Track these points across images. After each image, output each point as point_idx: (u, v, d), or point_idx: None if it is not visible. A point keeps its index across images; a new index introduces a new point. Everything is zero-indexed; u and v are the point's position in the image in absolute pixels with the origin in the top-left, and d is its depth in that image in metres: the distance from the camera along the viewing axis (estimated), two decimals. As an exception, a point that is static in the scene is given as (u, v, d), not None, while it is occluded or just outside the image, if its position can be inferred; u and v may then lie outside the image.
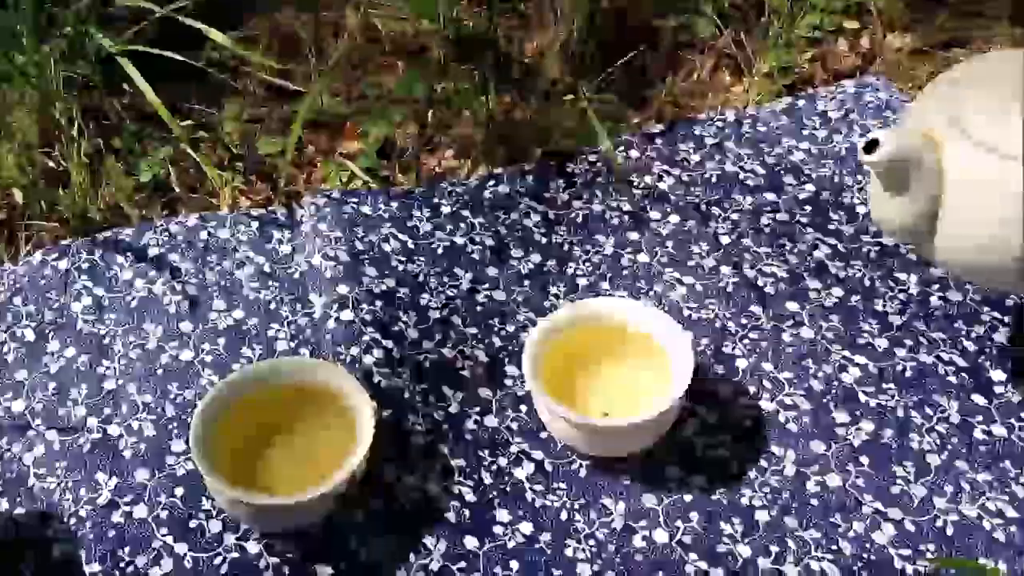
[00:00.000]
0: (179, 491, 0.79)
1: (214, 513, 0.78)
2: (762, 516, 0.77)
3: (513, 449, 0.82)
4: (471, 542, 0.76)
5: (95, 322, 0.90)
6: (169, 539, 0.76)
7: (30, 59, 1.03)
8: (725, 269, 0.94)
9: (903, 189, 0.69)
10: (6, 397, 0.86)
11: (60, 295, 0.92)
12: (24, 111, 1.05)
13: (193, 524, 0.77)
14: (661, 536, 0.77)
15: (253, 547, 0.76)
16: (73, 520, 0.78)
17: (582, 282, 0.94)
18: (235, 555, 0.76)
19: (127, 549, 0.76)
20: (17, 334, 0.90)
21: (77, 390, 0.86)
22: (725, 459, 0.81)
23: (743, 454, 0.81)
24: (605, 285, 0.94)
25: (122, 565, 0.75)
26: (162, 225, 0.98)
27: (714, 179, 1.03)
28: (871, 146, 0.68)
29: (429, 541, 0.76)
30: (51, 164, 1.05)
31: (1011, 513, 0.77)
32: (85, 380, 0.86)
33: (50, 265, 0.94)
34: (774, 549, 0.75)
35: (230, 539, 0.77)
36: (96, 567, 0.75)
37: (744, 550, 0.75)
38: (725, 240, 0.97)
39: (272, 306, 0.92)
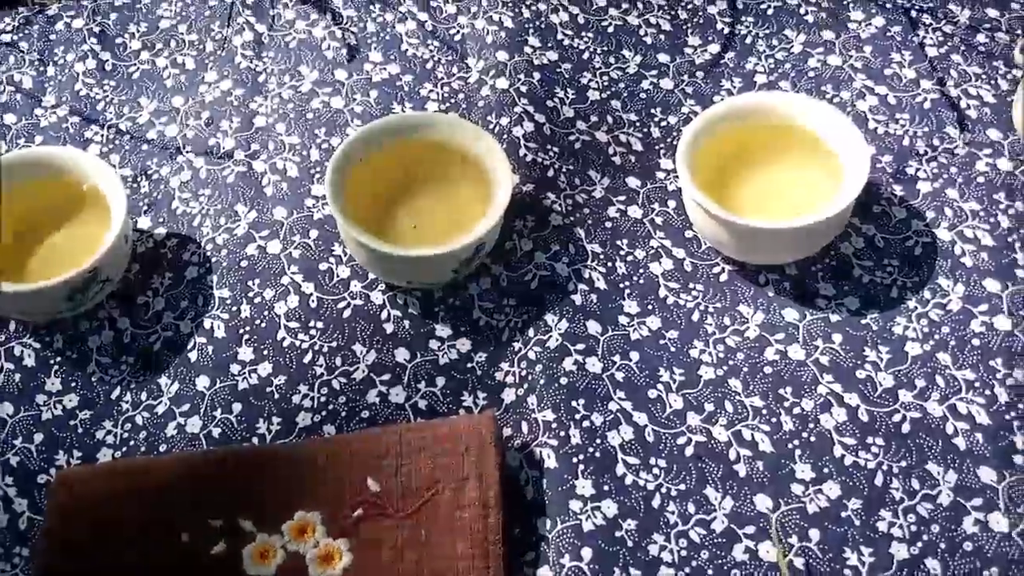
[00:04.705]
0: (313, 233, 0.79)
1: (344, 260, 0.77)
2: (913, 348, 0.71)
3: (653, 243, 0.78)
4: (594, 327, 0.73)
5: (253, 58, 0.89)
6: (298, 277, 0.77)
7: None
8: (926, 84, 0.84)
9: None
10: (161, 121, 0.86)
11: (223, 27, 0.91)
12: None
13: (323, 267, 0.77)
14: (797, 353, 0.71)
15: (377, 297, 0.76)
16: (210, 246, 0.79)
17: (760, 79, 0.86)
18: (359, 302, 0.75)
19: (257, 281, 0.77)
20: (178, 61, 0.90)
21: (228, 122, 0.86)
22: (885, 284, 0.74)
23: (906, 282, 0.74)
24: (786, 85, 0.85)
25: (250, 295, 0.76)
26: (329, -30, 0.94)
27: (932, -17, 0.90)
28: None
29: (551, 319, 0.73)
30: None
31: None
32: (237, 114, 0.86)
33: (217, -3, 0.93)
34: (920, 383, 0.69)
35: (356, 287, 0.76)
36: (226, 292, 0.76)
37: (886, 379, 0.69)
38: (932, 52, 0.86)
39: (428, 65, 0.88)
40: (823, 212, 0.70)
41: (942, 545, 0.63)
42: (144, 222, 0.81)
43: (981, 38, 0.86)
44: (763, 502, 0.65)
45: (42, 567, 0.63)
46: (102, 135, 0.86)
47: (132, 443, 0.70)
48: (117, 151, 0.85)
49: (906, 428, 0.67)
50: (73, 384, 0.73)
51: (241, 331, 0.74)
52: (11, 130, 0.86)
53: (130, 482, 0.65)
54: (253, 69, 0.88)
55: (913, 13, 0.88)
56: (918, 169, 0.79)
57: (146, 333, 0.75)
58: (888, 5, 0.89)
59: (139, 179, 0.83)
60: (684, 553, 0.64)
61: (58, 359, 0.74)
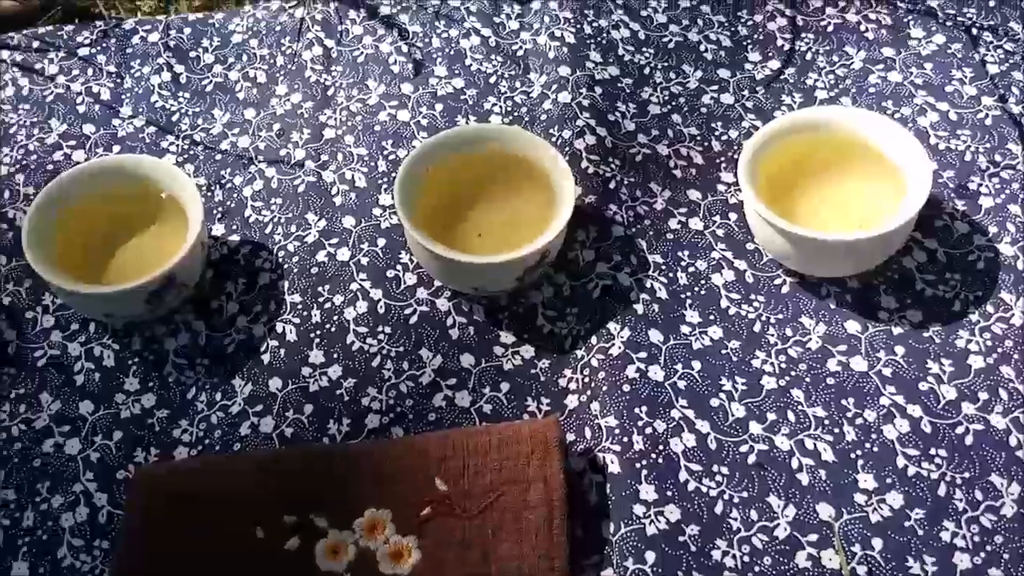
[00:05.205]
0: (381, 242, 0.81)
1: (410, 267, 0.79)
2: (976, 362, 0.71)
3: (715, 255, 0.79)
4: (655, 336, 0.74)
5: (322, 72, 0.92)
6: (367, 284, 0.79)
7: None
8: (987, 100, 0.84)
9: None
10: (234, 132, 0.89)
11: (293, 42, 0.94)
12: None
13: (390, 274, 0.79)
14: (859, 364, 0.72)
15: (443, 304, 0.77)
16: (281, 253, 0.81)
17: (821, 95, 0.87)
18: (425, 308, 0.77)
19: (327, 287, 0.79)
20: (250, 75, 0.93)
21: (299, 134, 0.88)
22: (947, 298, 0.74)
23: (968, 296, 0.74)
24: (846, 101, 0.86)
25: (320, 300, 0.78)
26: (396, -13, 0.97)
27: (991, 2, 0.91)
28: None
29: (613, 327, 0.75)
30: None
31: None
32: (307, 126, 0.88)
33: (286, 12, 0.96)
34: (983, 396, 0.69)
35: (423, 293, 0.78)
36: (297, 298, 0.79)
37: (949, 391, 0.70)
38: (993, 70, 0.86)
39: (492, 80, 0.90)
40: (885, 226, 0.71)
41: (1005, 556, 0.63)
42: (218, 229, 0.83)
43: (1043, 55, 0.86)
44: (826, 510, 0.66)
45: (121, 559, 0.66)
46: (177, 145, 0.89)
47: (207, 441, 0.73)
48: (192, 161, 0.88)
49: (969, 440, 0.68)
50: (151, 384, 0.76)
51: (312, 335, 0.77)
52: (90, 139, 0.90)
53: (207, 478, 0.68)
54: (322, 83, 0.91)
55: (974, 31, 0.89)
56: (980, 184, 0.79)
57: (221, 336, 0.77)
58: (949, 23, 0.89)
59: (213, 188, 0.86)
60: (747, 559, 0.64)
61: (136, 360, 0.77)
